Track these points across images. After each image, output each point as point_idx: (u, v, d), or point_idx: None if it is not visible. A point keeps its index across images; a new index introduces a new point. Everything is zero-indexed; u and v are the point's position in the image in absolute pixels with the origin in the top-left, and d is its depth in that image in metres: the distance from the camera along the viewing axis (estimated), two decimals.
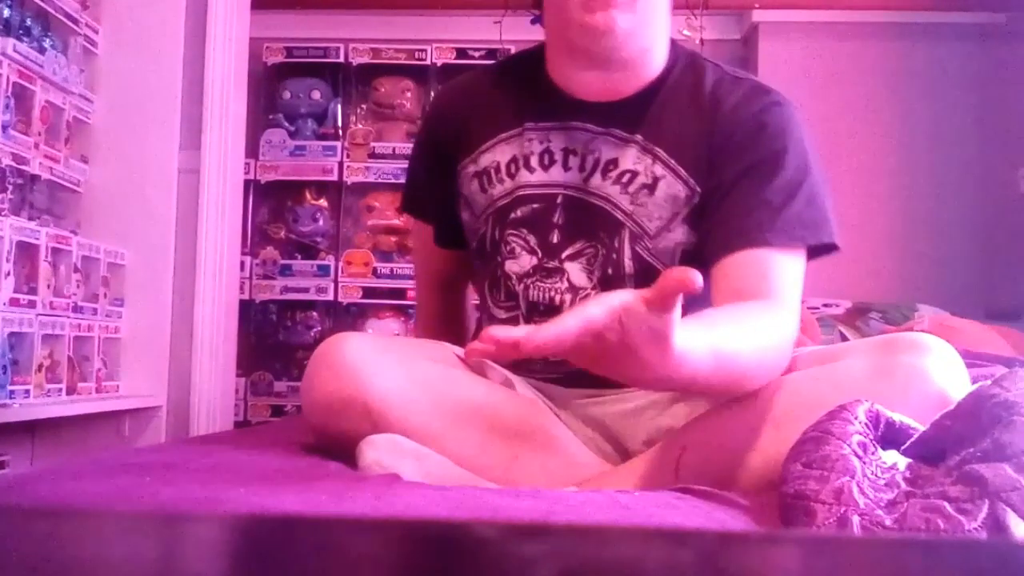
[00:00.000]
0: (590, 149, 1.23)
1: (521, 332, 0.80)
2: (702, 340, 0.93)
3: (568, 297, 1.20)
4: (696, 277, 0.80)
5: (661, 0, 1.20)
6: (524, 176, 1.24)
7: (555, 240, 1.22)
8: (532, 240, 1.23)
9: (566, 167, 1.23)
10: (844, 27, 3.06)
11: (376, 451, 1.00)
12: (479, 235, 1.28)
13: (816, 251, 1.17)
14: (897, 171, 3.03)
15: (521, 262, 1.23)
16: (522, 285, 1.22)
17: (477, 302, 1.38)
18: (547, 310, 1.21)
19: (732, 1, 3.07)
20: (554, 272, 1.21)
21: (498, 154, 1.27)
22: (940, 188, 3.00)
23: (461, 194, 1.30)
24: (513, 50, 2.90)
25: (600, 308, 0.84)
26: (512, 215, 1.24)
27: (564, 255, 1.22)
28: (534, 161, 1.24)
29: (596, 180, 1.21)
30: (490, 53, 2.97)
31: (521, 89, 1.29)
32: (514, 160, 1.26)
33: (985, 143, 2.99)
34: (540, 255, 1.22)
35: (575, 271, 1.21)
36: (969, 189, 2.99)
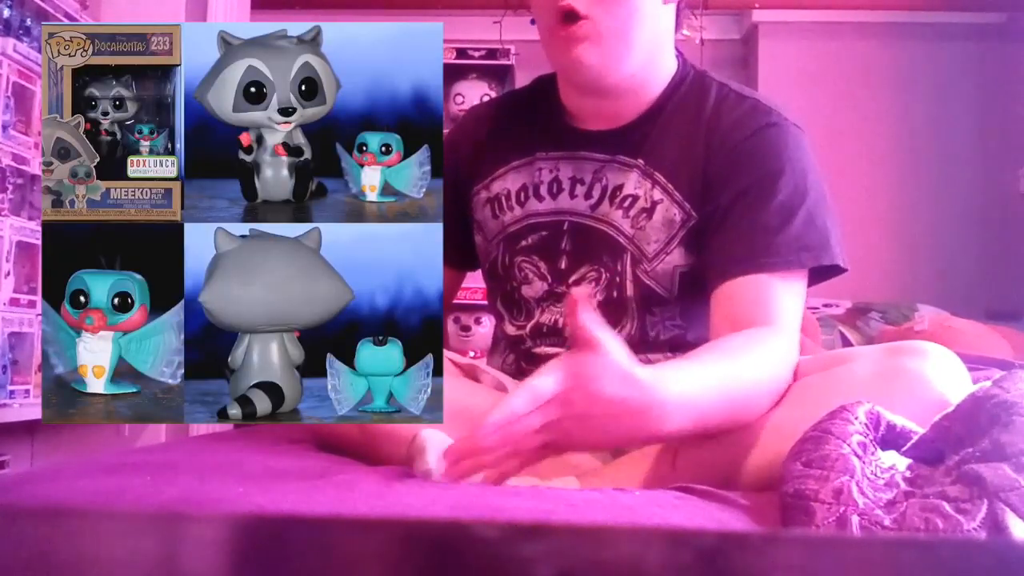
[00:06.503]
0: (598, 178, 1.25)
1: (465, 445, 0.87)
2: (678, 371, 0.95)
3: None
4: (582, 290, 0.86)
5: (636, 28, 1.18)
6: (533, 205, 1.27)
7: (563, 266, 1.24)
8: (543, 267, 1.26)
9: (572, 195, 1.25)
10: (844, 27, 3.06)
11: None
12: (491, 258, 1.31)
13: (821, 273, 1.16)
14: (897, 171, 3.03)
15: (535, 287, 1.26)
16: (539, 309, 1.25)
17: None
18: (550, 332, 1.24)
19: (732, 1, 3.07)
20: (562, 297, 1.24)
21: (509, 182, 1.30)
22: (940, 188, 3.00)
23: (474, 219, 1.33)
24: (513, 50, 2.93)
25: (545, 377, 0.87)
26: (522, 243, 1.27)
27: (571, 280, 1.24)
28: (543, 190, 1.27)
29: (604, 208, 1.23)
30: (490, 53, 2.97)
31: (535, 118, 1.32)
32: (524, 188, 1.29)
33: (985, 143, 2.99)
34: (550, 281, 1.25)
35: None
36: (969, 189, 2.99)
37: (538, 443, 0.89)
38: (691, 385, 0.93)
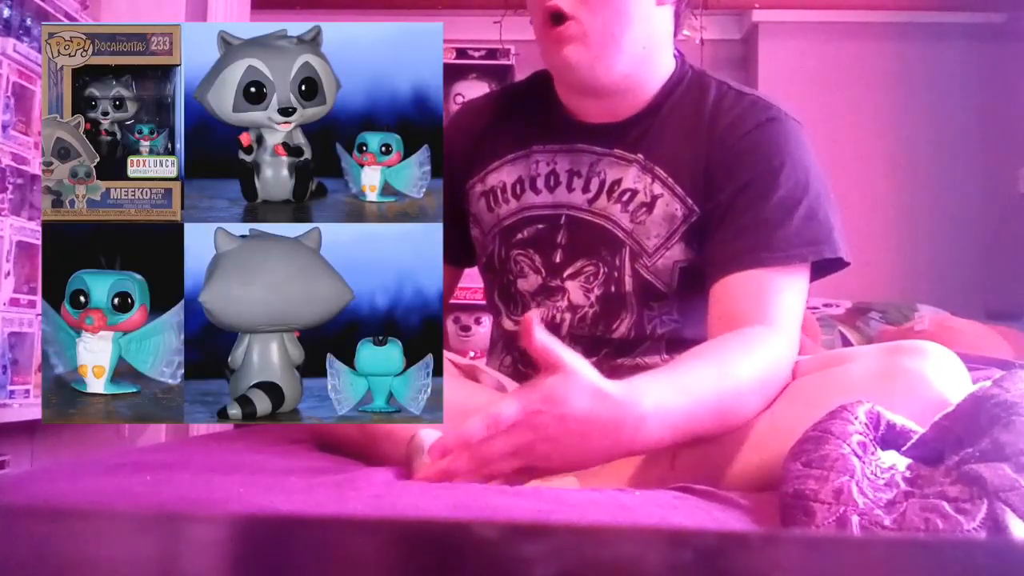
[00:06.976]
0: (595, 171, 1.24)
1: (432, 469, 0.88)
2: (653, 381, 0.94)
3: (568, 316, 1.22)
4: (533, 313, 0.89)
5: (624, 29, 1.17)
6: (530, 197, 1.27)
7: (558, 259, 1.24)
8: (537, 260, 1.25)
9: (570, 188, 1.25)
10: (844, 27, 3.06)
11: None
12: (487, 252, 1.30)
13: (824, 268, 1.16)
14: (897, 171, 3.03)
15: (529, 281, 1.25)
16: (534, 303, 1.25)
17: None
18: (546, 328, 1.23)
19: (732, 1, 3.07)
20: (556, 291, 1.23)
21: (504, 174, 1.29)
22: (940, 188, 3.00)
23: (470, 212, 1.33)
24: (513, 50, 2.93)
25: (507, 402, 0.88)
26: (518, 235, 1.26)
27: (566, 274, 1.23)
28: (540, 183, 1.27)
29: (602, 202, 1.23)
30: (490, 53, 2.97)
31: (531, 111, 1.31)
32: (520, 181, 1.28)
33: (985, 143, 2.99)
34: (544, 274, 1.24)
35: (575, 289, 1.23)
36: (969, 189, 2.99)
37: (513, 467, 0.89)
38: (668, 395, 0.92)
